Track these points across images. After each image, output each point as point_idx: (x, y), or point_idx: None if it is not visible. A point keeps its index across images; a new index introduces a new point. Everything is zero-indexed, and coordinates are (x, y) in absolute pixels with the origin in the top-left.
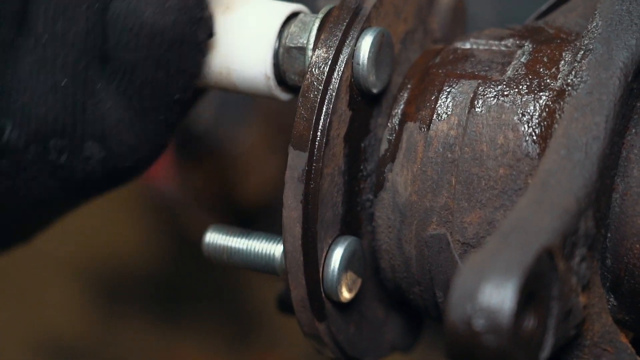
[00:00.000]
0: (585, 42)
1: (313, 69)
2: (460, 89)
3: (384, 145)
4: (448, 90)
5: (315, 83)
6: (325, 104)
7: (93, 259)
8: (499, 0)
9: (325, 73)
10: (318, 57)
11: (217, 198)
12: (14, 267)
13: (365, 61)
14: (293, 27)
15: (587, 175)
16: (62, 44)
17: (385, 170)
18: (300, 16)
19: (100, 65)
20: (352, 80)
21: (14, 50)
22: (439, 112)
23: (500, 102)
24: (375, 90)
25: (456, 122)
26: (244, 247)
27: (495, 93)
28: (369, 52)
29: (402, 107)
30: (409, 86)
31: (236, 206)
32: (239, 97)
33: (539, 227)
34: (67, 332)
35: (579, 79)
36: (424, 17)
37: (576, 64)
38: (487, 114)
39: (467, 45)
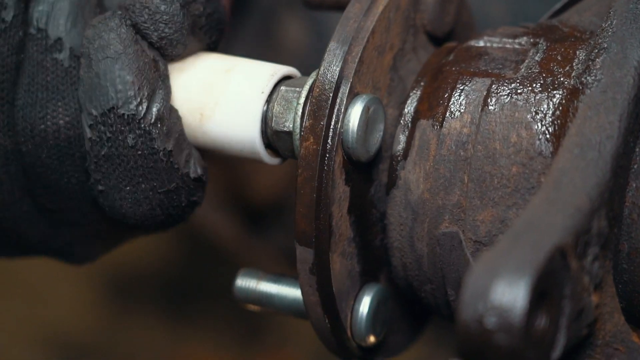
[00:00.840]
0: (600, 40)
1: (304, 163)
2: (473, 87)
3: (397, 143)
4: (461, 88)
5: (309, 178)
6: (323, 198)
7: (102, 255)
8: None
9: (317, 167)
10: (307, 149)
11: (227, 195)
12: (23, 264)
13: (355, 142)
14: (277, 107)
15: (600, 174)
16: None
17: (398, 168)
18: (282, 91)
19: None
20: (344, 159)
21: None
22: (452, 109)
23: (513, 100)
24: (370, 155)
25: (469, 120)
26: (275, 292)
27: (508, 91)
28: (357, 132)
29: (414, 104)
30: (421, 84)
31: (246, 204)
32: None
33: (552, 225)
34: (76, 329)
35: (593, 78)
36: (410, 23)
37: (590, 63)
38: (501, 112)
39: (481, 43)
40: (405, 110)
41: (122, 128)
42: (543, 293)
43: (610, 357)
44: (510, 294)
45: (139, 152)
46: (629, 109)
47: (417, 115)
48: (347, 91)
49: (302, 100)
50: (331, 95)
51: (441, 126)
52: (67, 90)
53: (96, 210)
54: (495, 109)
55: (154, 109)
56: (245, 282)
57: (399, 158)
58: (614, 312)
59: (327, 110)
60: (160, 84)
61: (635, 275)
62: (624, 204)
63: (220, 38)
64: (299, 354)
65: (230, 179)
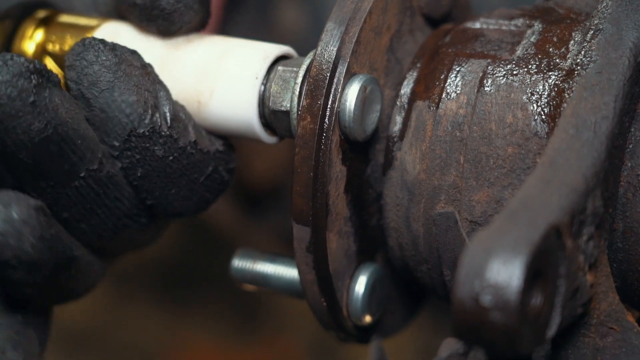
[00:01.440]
0: (595, 22)
1: (301, 142)
2: (469, 68)
3: (393, 124)
4: (457, 69)
5: (306, 158)
6: (320, 177)
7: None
8: None
9: (314, 147)
10: (304, 128)
11: None
12: None
13: (352, 121)
14: (274, 86)
15: (595, 154)
16: None
17: (394, 149)
18: (279, 71)
19: None
20: (341, 138)
21: None
22: (448, 91)
23: (509, 81)
24: (365, 135)
25: (465, 101)
26: (271, 272)
27: (504, 72)
28: (354, 110)
29: (411, 85)
30: (418, 65)
31: (243, 189)
32: None
33: (547, 205)
34: (74, 316)
35: (588, 59)
36: (407, 5)
37: (586, 44)
38: (496, 93)
39: (477, 25)
40: (402, 91)
41: (147, 145)
42: (538, 272)
43: (604, 336)
44: (506, 273)
45: (170, 158)
46: (624, 90)
47: (413, 97)
48: (344, 71)
49: (299, 80)
50: (328, 74)
51: (437, 107)
52: None
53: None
54: (491, 90)
55: (166, 113)
56: (242, 263)
57: (395, 139)
58: (608, 292)
59: (325, 90)
60: (158, 87)
61: (630, 254)
62: (618, 183)
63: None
64: (296, 340)
65: None
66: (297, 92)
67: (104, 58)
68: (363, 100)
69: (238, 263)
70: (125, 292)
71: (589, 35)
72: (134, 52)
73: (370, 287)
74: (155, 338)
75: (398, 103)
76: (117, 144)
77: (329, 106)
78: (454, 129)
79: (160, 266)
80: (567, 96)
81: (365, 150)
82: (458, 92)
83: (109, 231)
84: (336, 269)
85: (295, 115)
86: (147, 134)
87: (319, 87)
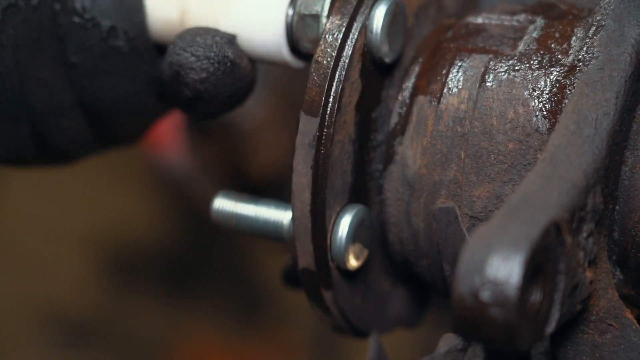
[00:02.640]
0: (598, 18)
1: (327, 36)
2: (471, 63)
3: (394, 118)
4: (459, 64)
5: (329, 50)
6: (338, 70)
7: (103, 233)
8: None
9: (339, 40)
10: (332, 24)
11: (227, 173)
12: (25, 240)
13: (379, 30)
14: None
15: (596, 151)
16: None
17: (395, 143)
18: None
19: None
20: (365, 48)
21: None
22: (450, 86)
23: (511, 77)
24: (387, 60)
25: (467, 96)
26: (253, 214)
27: (506, 68)
28: (383, 21)
29: (413, 80)
30: (420, 60)
31: (246, 181)
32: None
33: (547, 201)
34: (76, 307)
35: (590, 55)
36: None
37: (588, 40)
38: (498, 88)
39: (479, 20)
40: (404, 86)
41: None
42: (538, 268)
43: (603, 333)
44: (505, 269)
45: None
46: (626, 86)
47: (415, 91)
48: None
49: None
50: None
51: (439, 102)
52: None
53: None
54: (492, 85)
55: None
56: (222, 204)
57: (397, 133)
58: (607, 288)
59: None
60: None
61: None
62: (619, 180)
63: None
64: (298, 333)
65: (231, 156)
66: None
67: None
68: (393, 14)
69: (219, 204)
70: (128, 285)
71: (591, 31)
72: None
73: (358, 224)
74: (158, 330)
75: (400, 97)
76: None
77: (360, 10)
78: (455, 124)
79: (163, 259)
80: (568, 92)
81: (380, 83)
82: (460, 87)
83: None
84: (332, 182)
85: (325, 16)
86: None
87: None
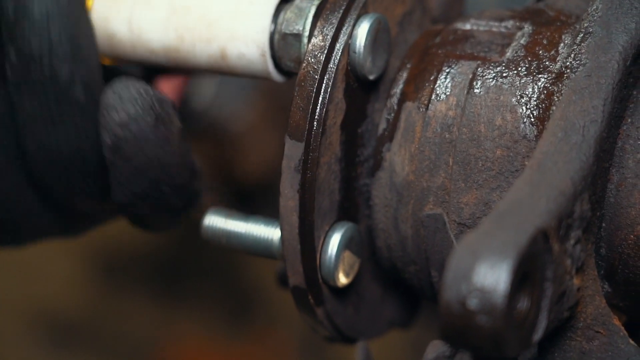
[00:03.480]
0: (585, 25)
1: (309, 58)
2: (459, 70)
3: (382, 125)
4: (447, 70)
5: (312, 72)
6: (322, 93)
7: (93, 234)
8: None
9: (322, 62)
10: (314, 45)
11: (216, 176)
12: None
13: (362, 49)
14: (289, 13)
15: (583, 158)
16: None
17: (383, 150)
18: (297, 2)
19: None
20: (349, 68)
21: None
22: (438, 92)
23: (499, 83)
24: (371, 77)
25: (455, 102)
26: (243, 231)
27: (494, 74)
28: (366, 39)
29: (401, 86)
30: (408, 66)
31: (235, 184)
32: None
33: (535, 208)
34: (66, 308)
35: (577, 62)
36: None
37: (575, 47)
38: (486, 95)
39: (468, 26)
40: (392, 92)
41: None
42: (525, 275)
43: (591, 340)
44: (493, 276)
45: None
46: (613, 94)
47: (403, 97)
48: (361, 4)
49: (313, 9)
50: (345, 3)
51: (427, 108)
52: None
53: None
54: (480, 92)
55: None
56: (212, 221)
57: (385, 140)
58: (595, 295)
59: (340, 15)
60: None
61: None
62: (606, 187)
63: None
64: (287, 334)
65: (220, 159)
66: (310, 17)
67: None
68: (376, 31)
69: (209, 221)
70: (117, 285)
71: (578, 38)
72: None
73: (347, 242)
74: (147, 331)
75: (388, 104)
76: None
77: (342, 30)
78: (443, 130)
79: (153, 260)
80: (556, 99)
81: (365, 99)
82: (447, 93)
83: None
84: (319, 203)
85: (307, 36)
86: None
87: (335, 12)
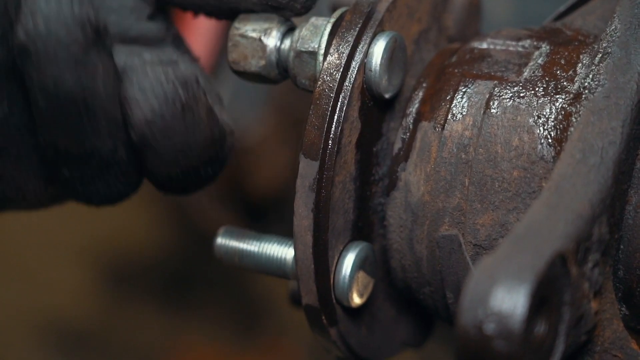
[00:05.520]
0: (604, 45)
1: (325, 76)
2: (476, 89)
3: (398, 144)
4: (464, 90)
5: (327, 90)
6: (337, 112)
7: (103, 244)
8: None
9: (337, 80)
10: (330, 63)
11: (228, 189)
12: (23, 251)
13: (378, 67)
14: (304, 31)
15: (602, 180)
16: None
17: (399, 170)
18: (312, 20)
19: None
20: (364, 86)
21: None
22: (454, 112)
23: (516, 103)
24: (387, 96)
25: (471, 122)
26: (256, 250)
27: (511, 94)
28: (382, 58)
29: (417, 106)
30: (424, 85)
31: (247, 197)
32: (252, 88)
33: (553, 231)
34: (74, 317)
35: (596, 83)
36: (438, 14)
37: (594, 67)
38: (503, 115)
39: (484, 45)
40: (407, 111)
41: None
42: (543, 299)
43: None
44: (510, 300)
45: None
46: (632, 115)
47: (418, 117)
48: (379, 19)
49: (329, 27)
50: (362, 20)
51: (443, 128)
52: None
53: None
54: (497, 112)
55: None
56: (225, 239)
57: (400, 159)
58: (613, 319)
59: (356, 33)
60: None
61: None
62: (624, 209)
63: None
64: (296, 345)
65: (232, 172)
66: (326, 35)
67: None
68: (392, 50)
69: (222, 240)
70: (125, 295)
71: (597, 58)
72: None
73: (361, 262)
74: (155, 341)
75: (403, 123)
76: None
77: (358, 48)
78: (460, 150)
79: (162, 270)
80: (574, 120)
81: (380, 118)
82: (464, 113)
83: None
84: (334, 222)
85: (322, 54)
86: None
87: (351, 30)
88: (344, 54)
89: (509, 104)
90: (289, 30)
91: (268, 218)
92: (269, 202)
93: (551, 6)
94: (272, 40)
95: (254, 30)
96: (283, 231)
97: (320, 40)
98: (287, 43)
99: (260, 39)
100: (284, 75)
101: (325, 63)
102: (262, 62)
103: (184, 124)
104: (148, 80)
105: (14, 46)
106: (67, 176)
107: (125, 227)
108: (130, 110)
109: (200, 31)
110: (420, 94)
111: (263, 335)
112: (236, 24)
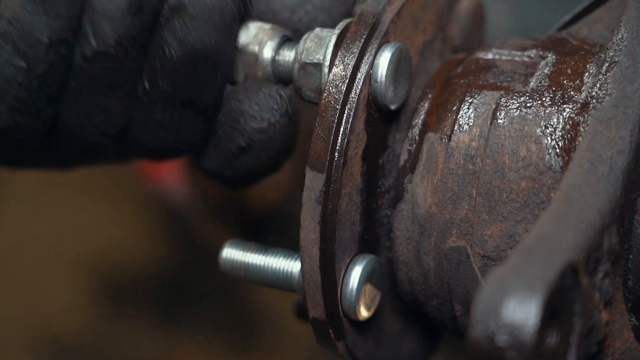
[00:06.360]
0: (611, 54)
1: (330, 88)
2: (482, 100)
3: (404, 156)
4: (470, 100)
5: (333, 102)
6: (343, 123)
7: (97, 258)
8: (516, 8)
9: (343, 92)
10: (335, 75)
11: (226, 202)
12: (17, 265)
13: (384, 79)
14: (309, 42)
15: (611, 190)
16: None
17: (405, 181)
18: (317, 31)
19: None
20: (370, 98)
21: None
22: (461, 122)
23: (523, 113)
24: (393, 107)
25: (478, 133)
26: (261, 264)
27: (518, 104)
28: (387, 69)
29: (422, 117)
30: (430, 96)
31: (245, 210)
32: None
33: (563, 242)
34: (68, 331)
35: (603, 92)
36: (443, 25)
37: (601, 77)
38: (510, 125)
39: (490, 56)
40: (413, 122)
41: None
42: (554, 310)
43: None
44: (522, 312)
45: None
46: None
47: (425, 128)
48: (384, 30)
49: (334, 38)
50: (367, 32)
51: (449, 139)
52: None
53: None
54: (504, 122)
55: None
56: (231, 253)
57: (406, 171)
58: (623, 330)
59: (361, 45)
60: None
61: None
62: (633, 219)
63: None
64: (292, 358)
65: None
66: (331, 46)
67: None
68: (398, 61)
69: (227, 253)
70: (120, 309)
71: (604, 67)
72: None
73: (368, 275)
74: (150, 355)
75: (409, 134)
76: None
77: (363, 59)
78: (467, 161)
79: (156, 283)
80: (582, 129)
81: (386, 130)
82: (470, 124)
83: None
84: (341, 235)
85: (327, 66)
86: None
87: (356, 41)
88: (350, 66)
89: (515, 114)
90: (286, 42)
91: (267, 230)
92: (267, 215)
93: (551, 16)
94: (268, 53)
95: (250, 44)
96: (282, 244)
97: (325, 52)
98: (285, 54)
99: (256, 55)
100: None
101: (330, 75)
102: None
103: (287, 133)
104: (265, 99)
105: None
106: (157, 119)
107: (121, 240)
108: (243, 122)
109: None
110: (426, 104)
111: (259, 350)
112: (242, 35)
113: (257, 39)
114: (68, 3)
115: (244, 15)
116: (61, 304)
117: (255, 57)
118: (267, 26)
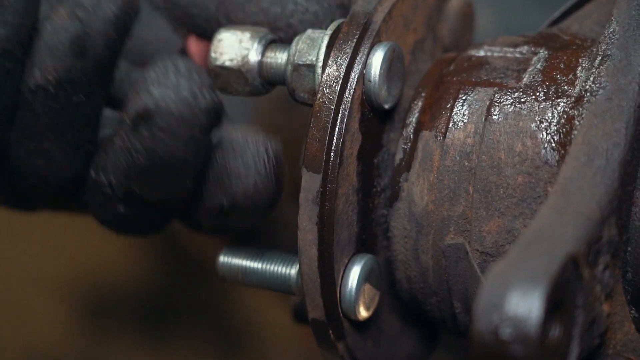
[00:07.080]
0: (603, 47)
1: (324, 88)
2: (476, 97)
3: (399, 155)
4: (464, 98)
5: (327, 102)
6: (338, 124)
7: (79, 275)
8: (500, 9)
9: (337, 92)
10: (329, 75)
11: None
12: None
13: (377, 78)
14: (301, 44)
15: (608, 182)
16: None
17: (401, 180)
18: (308, 32)
19: None
20: (364, 97)
21: None
22: (455, 120)
23: (517, 109)
24: (387, 106)
25: (473, 130)
26: (259, 267)
27: (512, 100)
28: (380, 68)
29: (416, 115)
30: (423, 95)
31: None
32: (240, 107)
33: (563, 235)
34: (53, 351)
35: (597, 85)
36: (433, 25)
37: (594, 70)
38: (504, 121)
39: (482, 53)
40: (407, 121)
41: None
42: (557, 303)
43: None
44: (525, 304)
45: None
46: (635, 116)
47: (419, 127)
48: (376, 29)
49: (326, 39)
50: (359, 32)
51: (444, 137)
52: None
53: None
54: (499, 118)
55: None
56: (228, 258)
57: (402, 170)
58: (624, 321)
59: (354, 45)
60: None
61: None
62: (631, 211)
63: None
64: None
65: None
66: (323, 47)
67: None
68: (391, 60)
69: (224, 259)
70: (105, 327)
71: (597, 61)
72: None
73: (367, 275)
74: None
75: (404, 133)
76: None
77: (357, 59)
78: (462, 158)
79: (140, 298)
80: (577, 123)
81: (380, 129)
82: (465, 121)
83: None
84: (339, 235)
85: (320, 67)
86: None
87: (348, 41)
88: (343, 66)
89: (510, 110)
90: (270, 43)
91: (253, 237)
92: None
93: (535, 17)
94: (253, 63)
95: (231, 60)
96: (280, 247)
97: (317, 53)
98: (274, 56)
99: (239, 70)
100: (272, 87)
101: (324, 75)
102: (248, 88)
103: (272, 193)
104: (252, 159)
105: (135, 106)
106: (121, 212)
107: (102, 256)
108: (228, 182)
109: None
110: (420, 103)
111: None
112: (212, 54)
113: (240, 55)
114: (17, 12)
115: (213, 126)
116: (45, 324)
117: (242, 75)
118: (246, 34)
